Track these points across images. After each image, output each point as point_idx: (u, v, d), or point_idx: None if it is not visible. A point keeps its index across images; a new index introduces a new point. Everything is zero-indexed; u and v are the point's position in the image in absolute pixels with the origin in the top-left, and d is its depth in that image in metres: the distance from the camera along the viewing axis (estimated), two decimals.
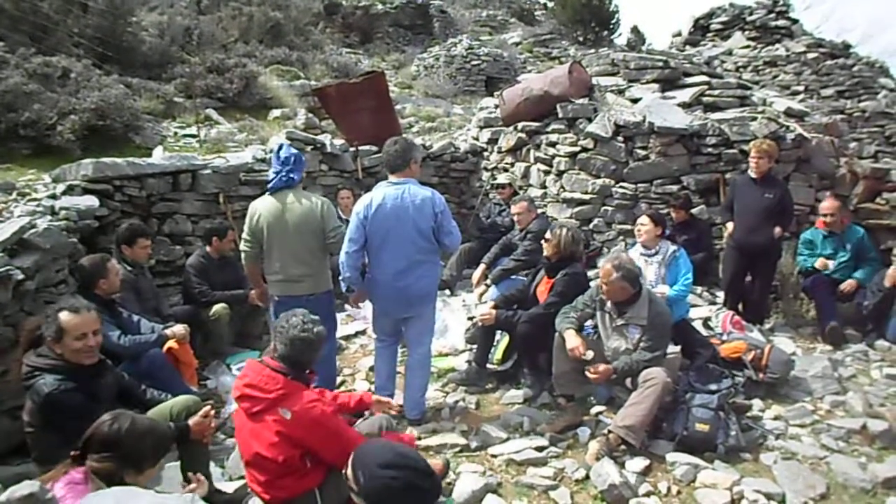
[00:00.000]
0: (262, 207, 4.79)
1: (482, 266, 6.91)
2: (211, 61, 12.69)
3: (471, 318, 6.54)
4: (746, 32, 17.13)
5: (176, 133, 10.36)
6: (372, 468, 2.36)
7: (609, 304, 4.82)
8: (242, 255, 4.96)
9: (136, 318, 5.02)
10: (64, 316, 3.37)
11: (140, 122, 9.88)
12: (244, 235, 4.88)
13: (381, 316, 5.04)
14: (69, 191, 6.12)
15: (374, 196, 4.67)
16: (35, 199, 5.96)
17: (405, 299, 4.76)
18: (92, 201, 6.00)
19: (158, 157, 7.50)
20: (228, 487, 3.97)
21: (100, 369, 3.60)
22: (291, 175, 4.78)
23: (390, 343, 5.10)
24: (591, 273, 7.28)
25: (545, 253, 5.51)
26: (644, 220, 5.87)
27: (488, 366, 5.64)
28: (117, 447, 2.53)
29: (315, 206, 4.75)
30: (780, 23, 17.02)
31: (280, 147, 4.84)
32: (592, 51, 18.42)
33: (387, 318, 5.00)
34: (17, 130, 8.51)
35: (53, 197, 5.99)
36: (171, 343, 4.94)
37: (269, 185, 4.84)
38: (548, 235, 5.45)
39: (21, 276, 4.57)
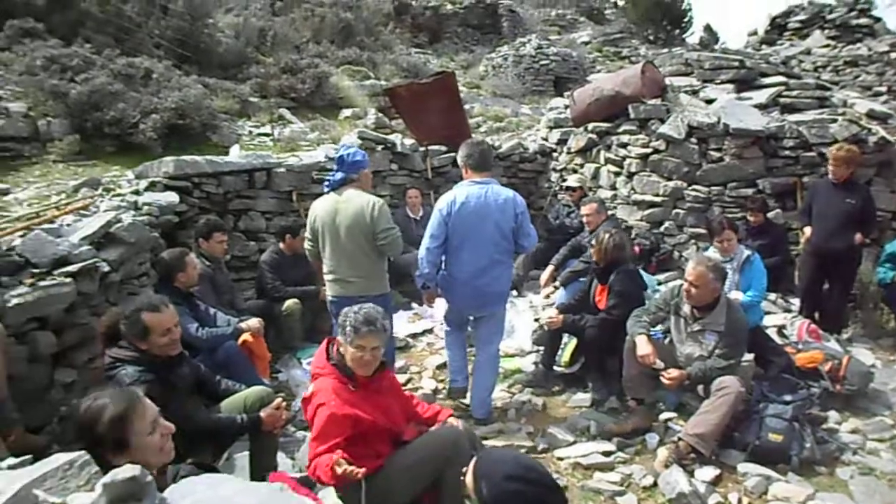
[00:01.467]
0: (319, 207, 4.84)
1: (550, 268, 6.90)
2: (284, 62, 12.97)
3: (537, 320, 6.53)
4: (826, 31, 16.58)
5: (251, 132, 10.65)
6: (496, 479, 2.20)
7: (685, 308, 4.74)
8: (308, 253, 5.08)
9: (212, 310, 5.17)
10: (146, 316, 3.46)
11: (217, 121, 10.20)
12: (307, 234, 4.99)
13: (454, 312, 5.10)
14: (151, 187, 6.37)
15: (457, 194, 4.71)
16: (119, 195, 6.20)
17: (481, 298, 4.82)
18: (172, 197, 6.23)
19: (235, 155, 7.73)
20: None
21: (178, 361, 3.72)
22: (342, 174, 4.77)
23: (459, 333, 5.20)
24: (661, 277, 7.22)
25: (593, 258, 5.53)
26: (728, 234, 5.69)
27: (555, 368, 5.62)
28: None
29: (366, 206, 4.63)
30: (862, 21, 16.43)
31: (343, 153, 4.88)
32: (664, 50, 18.16)
33: (459, 315, 5.08)
34: (103, 128, 8.90)
35: (136, 193, 6.23)
36: (245, 336, 5.06)
37: (330, 183, 4.89)
38: (593, 241, 5.48)
39: (107, 269, 4.79)
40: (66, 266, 4.41)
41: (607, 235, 5.36)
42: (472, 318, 5.14)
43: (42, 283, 4.20)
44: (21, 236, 4.59)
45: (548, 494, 2.19)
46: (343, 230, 4.66)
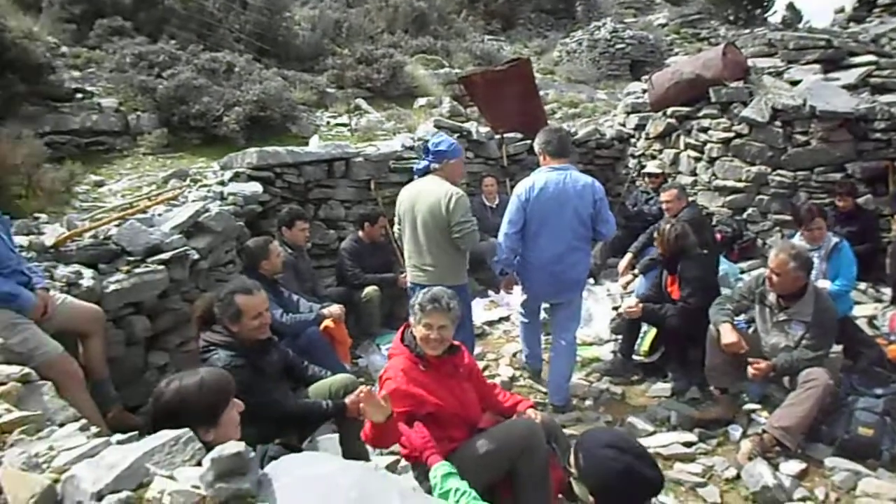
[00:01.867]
0: (404, 195, 4.83)
1: (629, 255, 6.81)
2: (360, 52, 13.17)
3: (615, 308, 6.47)
4: None
5: (329, 122, 10.86)
6: (593, 448, 2.34)
7: (771, 297, 4.59)
8: (394, 236, 5.17)
9: (295, 297, 5.33)
10: (240, 298, 3.58)
11: (296, 112, 10.45)
12: (395, 219, 4.99)
13: (531, 300, 5.15)
14: (235, 177, 6.56)
15: (535, 179, 4.77)
16: (206, 185, 6.43)
17: (558, 284, 4.86)
18: (256, 187, 6.42)
19: (315, 145, 7.90)
20: (381, 462, 4.17)
21: (268, 346, 3.85)
22: (426, 163, 4.74)
23: (534, 318, 5.32)
24: (744, 265, 7.04)
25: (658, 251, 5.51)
26: (818, 222, 5.47)
27: (634, 357, 5.57)
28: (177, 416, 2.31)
29: (443, 198, 4.52)
30: None
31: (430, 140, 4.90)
32: (746, 31, 17.59)
33: (536, 302, 5.16)
34: (189, 122, 9.24)
35: (222, 183, 6.43)
36: (327, 322, 5.19)
37: (417, 172, 4.89)
38: (655, 234, 5.45)
39: (196, 256, 5.00)
40: (158, 254, 4.63)
41: (668, 226, 5.31)
42: (548, 305, 5.17)
43: (137, 271, 4.41)
44: (116, 226, 4.82)
45: (643, 466, 2.28)
46: (420, 220, 4.63)
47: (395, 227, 5.04)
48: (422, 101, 12.44)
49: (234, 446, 1.55)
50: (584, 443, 2.43)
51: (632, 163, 9.10)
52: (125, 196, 6.43)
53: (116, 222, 4.93)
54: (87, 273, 4.23)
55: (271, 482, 1.64)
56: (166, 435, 1.79)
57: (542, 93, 12.54)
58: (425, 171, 4.75)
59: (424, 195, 4.64)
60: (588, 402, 5.11)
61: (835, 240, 5.43)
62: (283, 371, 4.04)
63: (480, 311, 6.77)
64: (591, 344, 6.06)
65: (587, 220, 4.74)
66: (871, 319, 5.94)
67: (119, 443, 1.98)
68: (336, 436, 4.08)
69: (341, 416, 3.84)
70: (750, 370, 4.41)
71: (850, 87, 7.28)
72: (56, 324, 3.65)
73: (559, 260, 4.75)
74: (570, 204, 4.67)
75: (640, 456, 2.33)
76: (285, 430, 3.65)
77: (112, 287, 4.23)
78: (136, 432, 2.16)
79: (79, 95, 9.27)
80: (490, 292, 7.18)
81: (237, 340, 3.62)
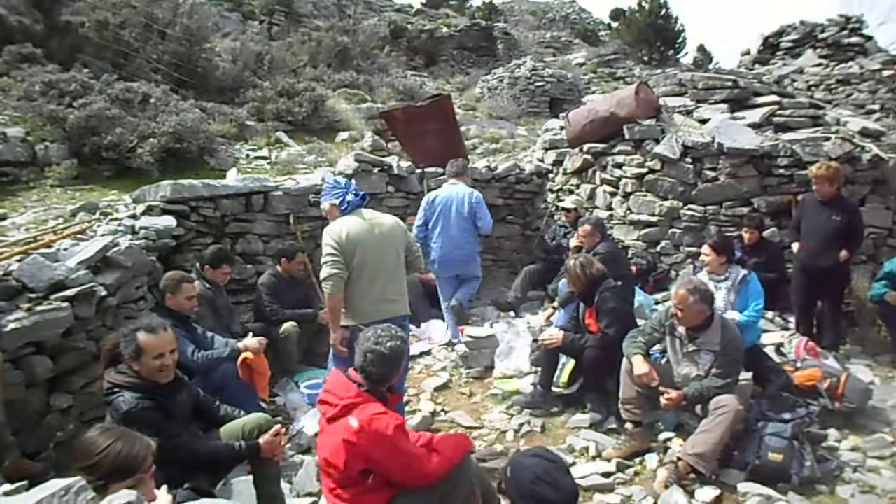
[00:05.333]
0: (349, 226, 4.56)
1: (550, 310, 7.05)
2: (281, 85, 13.08)
3: (535, 341, 6.53)
4: (818, 50, 16.70)
5: (248, 155, 10.69)
6: (518, 460, 2.69)
7: (680, 329, 4.73)
8: (331, 283, 4.43)
9: (209, 334, 5.17)
10: (142, 336, 3.43)
11: (214, 144, 10.25)
12: (332, 259, 4.44)
13: (441, 271, 6.91)
14: (148, 211, 6.36)
15: (437, 192, 6.99)
16: (117, 219, 6.21)
17: (454, 260, 6.80)
18: (170, 221, 6.23)
19: (232, 178, 7.75)
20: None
21: (176, 387, 3.68)
22: (360, 194, 4.81)
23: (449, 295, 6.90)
24: (658, 296, 7.23)
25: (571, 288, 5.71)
26: (705, 249, 5.72)
27: (554, 389, 5.61)
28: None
29: (396, 223, 4.79)
30: (854, 40, 16.56)
31: (331, 177, 4.92)
32: (658, 71, 18.32)
33: (444, 273, 6.92)
34: (100, 153, 8.95)
35: (134, 217, 6.23)
36: (246, 353, 5.03)
37: (348, 204, 4.73)
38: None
39: (104, 293, 4.79)
40: (62, 290, 4.42)
41: (572, 262, 5.45)
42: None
43: (39, 308, 4.20)
44: (18, 261, 4.59)
45: (556, 471, 2.56)
46: (386, 247, 4.63)
47: (333, 270, 4.44)
48: (344, 134, 12.41)
49: (125, 496, 1.47)
50: (513, 464, 2.67)
51: (550, 197, 9.26)
52: (29, 230, 6.13)
53: (18, 257, 4.70)
54: None
55: None
56: (56, 485, 1.68)
57: (463, 128, 12.72)
58: (357, 206, 4.74)
59: (379, 223, 4.69)
60: (509, 435, 5.11)
61: (743, 272, 5.60)
62: (194, 412, 3.89)
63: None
64: (511, 377, 6.07)
65: (468, 216, 6.71)
66: (778, 347, 6.16)
67: (6, 494, 1.86)
68: (251, 477, 3.95)
69: (255, 457, 3.72)
70: (662, 400, 4.53)
71: (755, 126, 7.62)
72: None
73: (451, 242, 6.69)
74: (454, 205, 6.72)
75: (555, 463, 2.63)
76: (195, 473, 3.51)
77: (11, 326, 4.01)
78: (25, 482, 2.03)
79: None
80: (412, 326, 7.13)
81: (143, 382, 3.47)
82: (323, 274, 4.48)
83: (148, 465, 2.44)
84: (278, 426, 3.90)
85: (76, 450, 2.46)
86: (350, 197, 4.76)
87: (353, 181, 4.90)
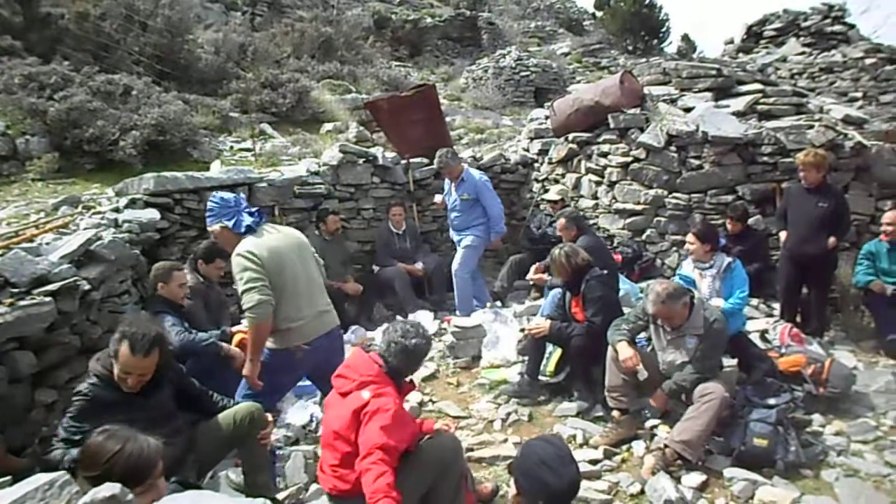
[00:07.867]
0: (265, 243, 4.11)
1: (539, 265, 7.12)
2: (265, 77, 12.96)
3: (522, 330, 6.54)
4: (801, 39, 16.80)
5: (232, 147, 10.61)
6: (528, 445, 2.82)
7: None
8: (260, 310, 3.89)
9: (194, 332, 5.06)
10: (124, 347, 3.27)
11: (197, 136, 10.16)
12: (257, 284, 3.92)
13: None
14: (131, 204, 6.33)
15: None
16: (99, 213, 6.16)
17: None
18: (153, 214, 6.20)
19: (216, 170, 7.70)
20: (280, 495, 4.03)
21: (146, 389, 3.46)
22: (255, 210, 4.30)
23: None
24: (643, 285, 7.26)
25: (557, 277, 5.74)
26: (690, 238, 5.78)
27: (540, 378, 5.62)
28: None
29: (300, 236, 4.50)
30: (836, 28, 16.68)
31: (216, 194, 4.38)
32: (643, 60, 18.35)
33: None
34: (82, 146, 8.83)
35: (117, 210, 6.19)
36: (241, 335, 4.93)
37: (249, 225, 4.18)
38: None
39: (87, 287, 4.76)
40: (45, 285, 4.40)
41: (557, 251, 5.45)
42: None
43: (21, 303, 4.17)
44: None
45: (561, 459, 2.64)
46: (307, 258, 4.37)
47: (262, 294, 3.92)
48: (328, 126, 12.34)
49: (108, 489, 1.46)
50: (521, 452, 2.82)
51: (536, 187, 9.27)
52: (11, 224, 6.06)
53: (0, 252, 4.65)
54: None
55: None
56: (40, 479, 1.67)
57: (448, 118, 12.68)
58: (257, 224, 4.25)
59: (290, 238, 4.37)
60: (496, 424, 5.12)
61: (727, 260, 5.65)
62: (188, 402, 3.81)
63: None
64: (498, 366, 6.08)
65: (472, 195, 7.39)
66: (763, 333, 6.19)
67: None
68: (239, 469, 3.96)
69: (244, 445, 3.80)
70: (651, 402, 4.60)
71: (739, 114, 7.64)
72: None
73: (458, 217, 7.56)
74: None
75: (562, 456, 2.68)
76: (182, 465, 3.49)
77: None
78: (9, 477, 2.02)
79: None
80: (398, 317, 7.13)
81: (110, 374, 3.36)
82: (248, 302, 3.89)
83: (160, 469, 2.32)
84: (268, 415, 3.94)
85: (81, 458, 2.34)
86: (244, 217, 4.19)
87: (243, 195, 4.44)
